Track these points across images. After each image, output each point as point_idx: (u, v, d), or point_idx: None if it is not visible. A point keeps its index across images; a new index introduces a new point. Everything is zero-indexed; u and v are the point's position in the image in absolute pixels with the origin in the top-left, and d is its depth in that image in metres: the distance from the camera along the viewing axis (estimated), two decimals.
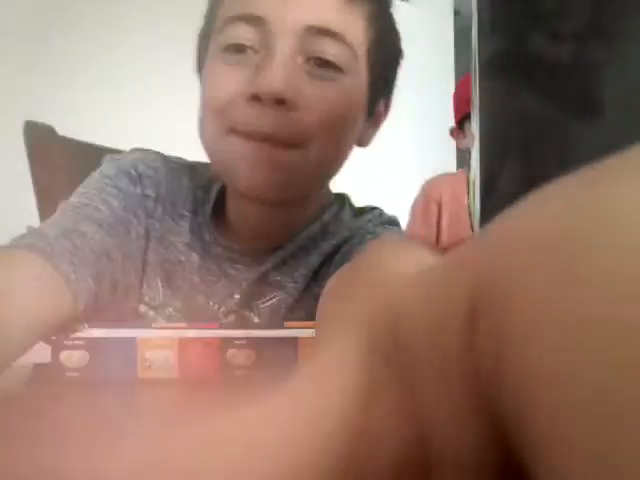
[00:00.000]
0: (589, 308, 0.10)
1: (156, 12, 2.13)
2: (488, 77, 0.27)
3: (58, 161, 0.96)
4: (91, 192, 0.69)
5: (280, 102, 0.61)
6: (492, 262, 0.12)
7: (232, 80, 0.63)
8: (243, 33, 0.63)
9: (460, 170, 1.76)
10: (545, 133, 0.26)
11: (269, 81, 0.60)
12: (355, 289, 0.22)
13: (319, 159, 0.66)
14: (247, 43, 0.63)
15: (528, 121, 0.26)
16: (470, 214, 0.35)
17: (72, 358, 0.46)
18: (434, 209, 1.58)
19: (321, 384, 0.17)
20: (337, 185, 0.78)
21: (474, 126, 0.29)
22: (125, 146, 0.91)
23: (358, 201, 0.82)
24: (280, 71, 0.61)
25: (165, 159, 0.77)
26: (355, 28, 0.66)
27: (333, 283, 0.37)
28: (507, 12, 0.26)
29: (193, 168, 0.76)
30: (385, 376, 0.15)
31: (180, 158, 0.78)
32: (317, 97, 0.63)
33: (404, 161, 2.69)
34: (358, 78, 0.67)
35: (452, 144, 1.88)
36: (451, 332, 0.12)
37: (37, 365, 0.52)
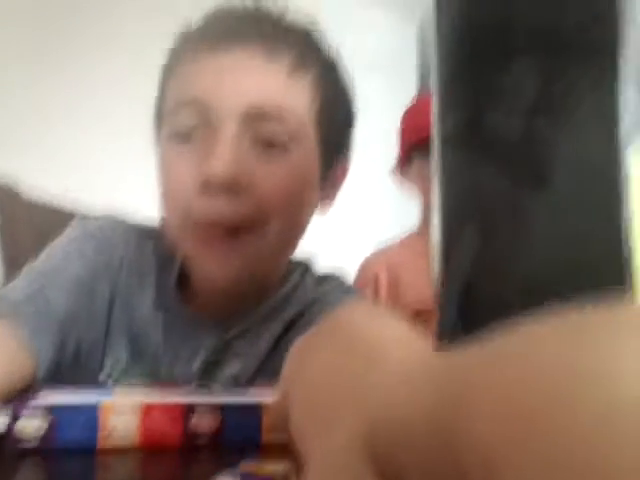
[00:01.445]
0: None
1: (120, 68, 2.15)
2: (447, 149, 0.29)
3: (22, 223, 0.95)
4: (57, 256, 0.69)
5: (231, 187, 0.61)
6: (475, 428, 0.12)
7: (181, 170, 0.63)
8: (188, 119, 0.63)
9: (403, 239, 1.66)
10: (498, 203, 0.27)
11: (216, 167, 0.60)
12: (339, 390, 0.22)
13: (278, 238, 0.66)
14: (193, 130, 0.63)
15: (483, 192, 0.27)
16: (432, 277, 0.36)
17: (29, 427, 0.45)
18: (370, 287, 1.53)
19: None
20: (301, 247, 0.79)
21: (435, 196, 0.31)
22: (90, 209, 0.91)
23: (321, 261, 0.82)
24: (226, 156, 0.60)
25: (131, 225, 0.77)
26: (300, 99, 0.66)
27: (298, 348, 0.37)
28: (466, 89, 0.28)
29: (159, 235, 0.77)
30: None
31: (146, 225, 0.78)
32: (267, 179, 0.63)
33: (371, 219, 2.73)
34: (307, 150, 0.67)
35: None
36: (447, 473, 0.12)
37: None
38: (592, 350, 0.11)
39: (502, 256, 0.26)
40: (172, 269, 0.74)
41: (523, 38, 0.25)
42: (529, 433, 0.10)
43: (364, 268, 1.57)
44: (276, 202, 0.63)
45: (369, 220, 2.79)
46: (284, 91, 0.64)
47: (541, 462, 0.10)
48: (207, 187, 0.61)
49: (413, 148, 1.50)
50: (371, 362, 0.21)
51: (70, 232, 0.73)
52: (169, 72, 0.69)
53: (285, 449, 0.45)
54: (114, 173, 1.99)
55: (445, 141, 0.29)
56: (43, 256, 0.69)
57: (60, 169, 2.02)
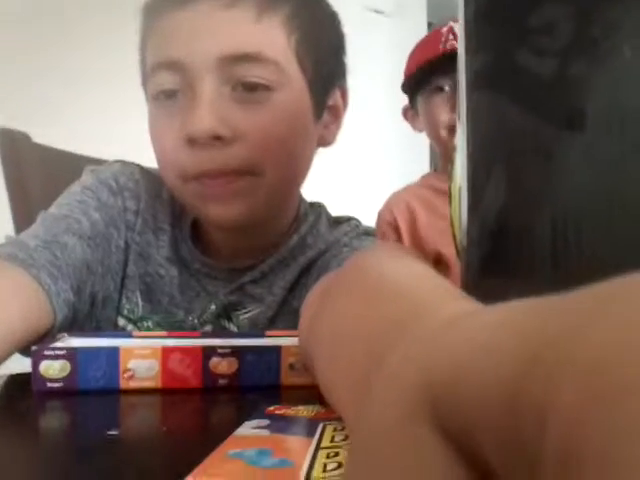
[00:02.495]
0: None
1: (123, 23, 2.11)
2: (475, 89, 0.28)
3: (32, 169, 0.95)
4: (72, 204, 0.69)
5: (217, 138, 0.61)
6: (561, 403, 0.10)
7: (168, 129, 0.63)
8: (167, 79, 0.63)
9: (422, 178, 1.65)
10: (529, 144, 0.27)
11: (201, 122, 0.60)
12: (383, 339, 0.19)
13: (278, 178, 0.66)
14: (173, 87, 0.63)
15: (513, 132, 0.27)
16: (452, 224, 0.36)
17: (53, 368, 0.46)
18: (390, 233, 1.55)
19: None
20: (313, 192, 0.78)
21: (459, 137, 0.30)
22: (102, 155, 0.91)
23: (335, 208, 0.82)
24: (208, 109, 0.61)
25: (145, 172, 0.76)
26: (274, 39, 0.65)
27: (319, 293, 0.37)
28: (494, 27, 0.27)
29: None
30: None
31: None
32: (253, 124, 0.62)
33: (381, 166, 2.72)
34: (292, 88, 0.66)
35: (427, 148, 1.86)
36: (524, 450, 0.11)
37: (16, 375, 0.51)
38: None
39: (532, 197, 0.26)
40: (186, 219, 0.75)
41: None
42: (621, 417, 0.09)
43: (380, 216, 1.58)
44: (267, 144, 0.63)
45: (381, 167, 2.77)
46: (254, 34, 0.63)
47: (629, 454, 0.09)
48: (192, 142, 0.61)
49: (416, 86, 1.50)
50: (410, 310, 0.20)
51: (85, 180, 0.73)
52: (145, 32, 0.68)
53: (304, 391, 0.46)
54: (128, 119, 1.97)
55: (473, 81, 0.28)
56: (58, 203, 0.69)
57: (72, 114, 2.00)
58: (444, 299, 0.20)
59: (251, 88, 0.63)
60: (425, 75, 1.46)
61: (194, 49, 0.62)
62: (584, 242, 0.25)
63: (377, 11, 2.57)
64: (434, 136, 1.51)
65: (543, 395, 0.10)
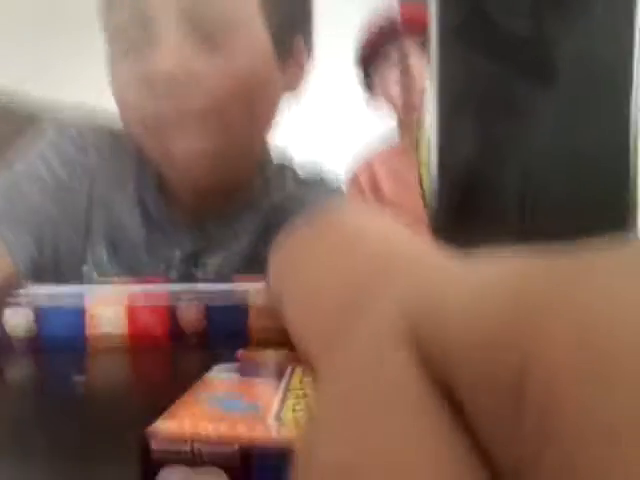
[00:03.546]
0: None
1: None
2: (447, 42, 0.28)
3: None
4: (34, 157, 0.67)
5: (177, 82, 0.59)
6: (544, 355, 0.10)
7: (126, 73, 0.61)
8: (123, 19, 0.61)
9: (385, 148, 1.73)
10: (500, 96, 0.27)
11: (159, 62, 0.58)
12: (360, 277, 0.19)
13: (239, 118, 0.65)
14: (128, 26, 0.61)
15: (484, 84, 0.27)
16: (419, 170, 0.36)
17: (17, 318, 0.46)
18: (358, 194, 1.61)
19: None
20: (282, 143, 0.78)
21: (430, 88, 0.30)
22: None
23: (303, 158, 0.81)
24: (167, 50, 0.59)
25: (107, 124, 0.75)
26: None
27: (288, 245, 0.37)
28: None
29: None
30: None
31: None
32: (212, 64, 0.61)
33: (353, 118, 2.70)
34: (253, 34, 0.64)
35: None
36: (500, 390, 0.11)
37: None
38: None
39: (500, 149, 0.27)
40: (151, 169, 0.74)
41: None
42: (601, 372, 0.10)
43: (353, 176, 1.65)
44: (226, 87, 0.62)
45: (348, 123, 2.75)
46: None
47: (607, 402, 0.09)
48: (154, 86, 0.59)
49: (367, 62, 1.60)
50: (388, 260, 0.19)
51: (47, 133, 0.71)
52: None
53: (274, 344, 0.47)
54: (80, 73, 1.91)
55: (446, 33, 0.28)
56: (20, 156, 0.68)
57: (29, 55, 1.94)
58: (422, 250, 0.20)
59: (211, 27, 0.61)
60: (370, 54, 1.57)
61: None
62: (550, 195, 0.26)
63: None
64: (388, 97, 1.60)
65: (527, 343, 0.11)
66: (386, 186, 1.58)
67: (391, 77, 1.56)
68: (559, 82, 0.25)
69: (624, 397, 0.09)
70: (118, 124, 0.74)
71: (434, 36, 0.29)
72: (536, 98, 0.26)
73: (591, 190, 0.25)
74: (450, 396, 0.12)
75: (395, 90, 1.56)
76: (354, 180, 1.61)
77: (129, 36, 0.61)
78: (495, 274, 0.13)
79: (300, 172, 0.78)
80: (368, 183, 1.60)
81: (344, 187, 1.58)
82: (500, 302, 0.12)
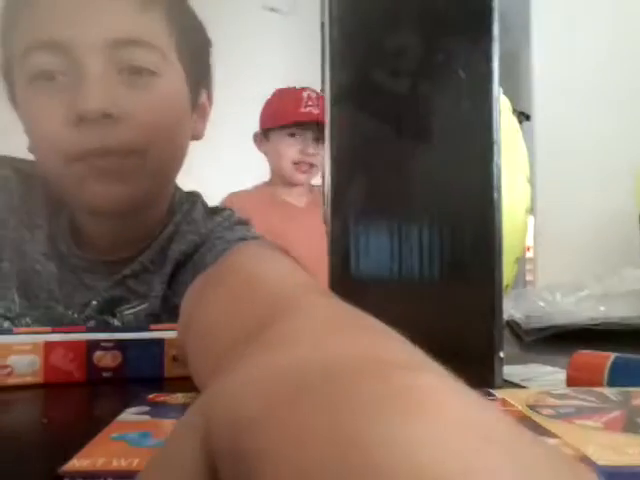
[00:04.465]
0: None
1: None
2: (337, 102, 0.32)
3: None
4: None
5: (106, 117, 0.61)
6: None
7: (51, 111, 0.62)
8: (48, 60, 0.62)
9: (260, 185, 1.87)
10: (385, 153, 0.30)
11: (90, 100, 0.60)
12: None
13: (159, 162, 0.67)
14: (55, 69, 0.62)
15: (371, 143, 0.30)
16: (325, 222, 0.39)
17: None
18: None
19: None
20: (188, 182, 0.80)
21: (326, 145, 0.33)
22: None
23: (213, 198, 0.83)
24: (98, 88, 0.61)
25: (18, 167, 0.75)
26: (156, 29, 0.66)
27: (194, 290, 0.39)
28: (354, 49, 0.31)
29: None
30: None
31: (34, 163, 0.76)
32: (140, 103, 0.64)
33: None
34: (173, 76, 0.68)
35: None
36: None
37: None
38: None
39: (388, 199, 0.30)
40: (63, 214, 0.73)
41: (407, 9, 0.28)
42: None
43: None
44: (151, 127, 0.64)
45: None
46: (140, 22, 0.65)
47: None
48: (80, 122, 0.61)
49: (271, 128, 1.74)
50: (267, 311, 0.21)
51: None
52: (12, 11, 0.67)
53: (186, 382, 0.48)
54: None
55: (336, 97, 0.32)
56: None
57: None
58: (302, 296, 0.22)
59: (137, 72, 0.64)
60: (279, 130, 1.73)
61: (80, 31, 0.61)
62: (430, 244, 0.29)
63: (273, 9, 2.59)
64: (277, 165, 1.75)
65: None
66: (257, 217, 1.71)
67: (288, 145, 1.73)
68: (433, 137, 0.29)
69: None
70: (26, 168, 0.74)
71: (327, 97, 0.32)
72: (415, 153, 0.29)
73: (462, 236, 0.28)
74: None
75: (289, 155, 1.72)
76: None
77: (56, 78, 0.62)
78: (283, 370, 0.15)
79: (209, 211, 0.80)
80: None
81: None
82: (256, 412, 0.14)
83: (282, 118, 1.74)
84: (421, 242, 0.29)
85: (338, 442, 0.11)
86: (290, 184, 1.76)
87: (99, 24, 0.62)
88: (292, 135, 1.74)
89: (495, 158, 0.29)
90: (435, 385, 0.12)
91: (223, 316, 0.25)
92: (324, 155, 0.32)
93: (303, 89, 1.77)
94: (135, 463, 0.21)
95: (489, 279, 0.29)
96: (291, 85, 1.83)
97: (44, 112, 0.63)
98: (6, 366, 0.47)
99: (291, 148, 1.74)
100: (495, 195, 0.29)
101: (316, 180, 1.86)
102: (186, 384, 0.48)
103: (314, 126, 1.73)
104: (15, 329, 0.61)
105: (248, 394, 0.15)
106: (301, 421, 0.12)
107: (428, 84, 0.29)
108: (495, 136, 0.29)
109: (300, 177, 1.75)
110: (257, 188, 1.81)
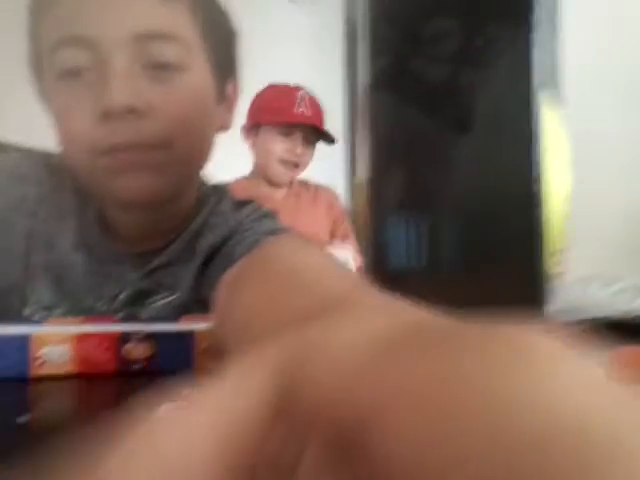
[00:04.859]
0: None
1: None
2: (374, 90, 0.31)
3: None
4: None
5: (132, 112, 0.61)
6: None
7: (77, 105, 0.62)
8: (74, 56, 0.62)
9: (237, 180, 1.93)
10: (423, 143, 0.29)
11: (116, 96, 0.60)
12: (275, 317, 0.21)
13: (186, 154, 0.67)
14: (81, 65, 0.62)
15: (409, 132, 0.30)
16: (354, 219, 0.38)
17: None
18: None
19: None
20: (215, 175, 0.80)
21: (360, 135, 0.33)
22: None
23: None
24: (123, 83, 0.61)
25: (47, 159, 0.75)
26: (180, 22, 0.66)
27: (231, 278, 0.39)
28: (392, 35, 0.30)
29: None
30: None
31: (62, 156, 0.77)
32: (166, 98, 0.64)
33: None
34: (199, 68, 0.68)
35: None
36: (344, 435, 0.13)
37: None
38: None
39: (427, 190, 0.29)
40: (91, 206, 0.74)
41: None
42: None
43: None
44: (177, 120, 0.64)
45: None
46: (165, 15, 0.65)
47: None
48: (106, 117, 0.61)
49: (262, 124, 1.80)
50: (315, 302, 0.21)
51: None
52: (40, 8, 0.67)
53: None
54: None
55: (373, 84, 0.31)
56: None
57: None
58: (348, 291, 0.21)
59: (163, 66, 0.64)
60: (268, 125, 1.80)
61: (106, 25, 0.62)
62: (469, 235, 0.28)
63: (292, 1, 2.59)
64: (263, 161, 1.84)
65: (369, 408, 0.13)
66: None
67: (276, 142, 1.79)
68: (474, 127, 0.28)
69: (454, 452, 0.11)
70: (56, 161, 0.75)
71: (363, 85, 0.31)
72: (456, 143, 0.28)
73: (501, 232, 0.27)
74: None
75: (276, 151, 1.79)
76: None
77: (83, 74, 0.62)
78: (376, 330, 0.15)
79: (236, 203, 0.80)
80: None
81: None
82: (362, 362, 0.13)
83: (275, 117, 1.78)
84: (461, 234, 0.28)
85: (486, 392, 0.11)
86: (271, 182, 1.83)
87: (124, 18, 0.62)
88: (283, 134, 1.79)
89: (536, 147, 0.28)
90: (547, 342, 0.12)
91: (268, 305, 0.24)
92: (360, 145, 0.31)
93: (297, 89, 1.83)
94: None
95: (531, 271, 0.28)
96: (283, 83, 1.86)
97: (71, 108, 0.64)
98: (39, 357, 0.47)
99: (280, 146, 1.76)
100: (536, 185, 0.28)
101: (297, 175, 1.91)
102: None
103: (304, 127, 1.77)
104: (48, 320, 0.61)
105: (361, 348, 0.14)
106: (438, 371, 0.12)
107: (468, 71, 0.28)
108: (537, 125, 0.28)
109: (284, 177, 1.82)
110: (237, 181, 1.86)
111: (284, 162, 1.80)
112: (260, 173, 1.85)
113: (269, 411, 0.14)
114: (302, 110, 1.77)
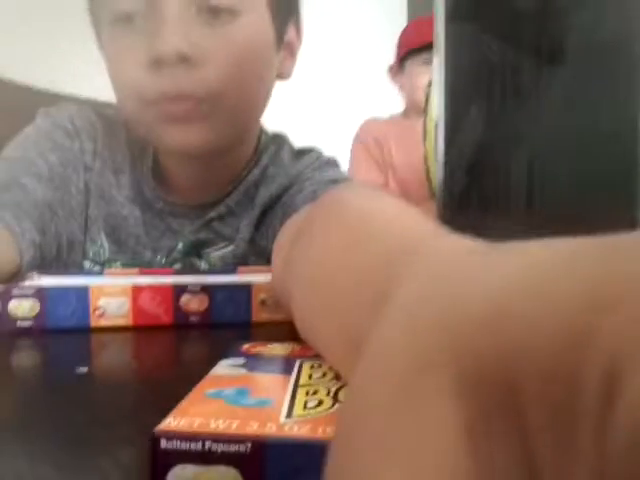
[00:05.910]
0: None
1: None
2: (453, 20, 0.27)
3: None
4: (28, 146, 0.67)
5: (183, 59, 0.59)
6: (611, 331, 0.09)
7: (129, 51, 0.61)
8: (127, 2, 0.61)
9: (396, 116, 1.92)
10: (508, 78, 0.26)
11: (167, 42, 0.58)
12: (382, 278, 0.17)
13: (239, 104, 0.65)
14: (135, 10, 0.61)
15: (491, 66, 0.26)
16: (426, 160, 0.36)
17: (22, 307, 0.45)
18: (374, 148, 1.75)
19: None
20: (274, 124, 0.78)
21: (437, 70, 0.30)
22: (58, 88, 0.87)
23: (297, 141, 0.81)
24: (176, 29, 0.59)
25: (101, 114, 0.75)
26: None
27: (295, 227, 0.37)
28: None
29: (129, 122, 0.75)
30: (489, 426, 0.10)
31: (116, 112, 0.76)
32: (219, 46, 0.61)
33: (346, 101, 2.69)
34: (256, 14, 0.65)
35: (394, 89, 1.92)
36: (583, 400, 0.09)
37: None
38: None
39: (509, 133, 0.26)
40: (146, 159, 0.73)
41: None
42: None
43: (361, 134, 1.81)
44: (232, 68, 0.62)
45: (347, 101, 2.74)
46: None
47: None
48: (158, 63, 0.59)
49: (407, 56, 1.75)
50: (402, 243, 0.18)
51: (39, 122, 0.71)
52: None
53: (275, 327, 0.46)
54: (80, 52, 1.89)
55: (451, 12, 0.28)
56: (13, 146, 0.68)
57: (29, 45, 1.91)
58: (435, 234, 0.19)
59: (216, 11, 0.61)
60: (416, 51, 1.74)
61: None
62: (558, 179, 0.25)
63: None
64: (412, 95, 1.77)
65: (617, 341, 0.09)
66: (394, 149, 1.74)
67: (422, 75, 1.74)
68: (567, 61, 0.25)
69: None
70: (109, 115, 0.74)
71: (440, 12, 0.28)
72: (545, 78, 0.25)
73: (599, 170, 0.24)
74: (513, 421, 0.10)
75: (423, 84, 1.73)
76: (361, 137, 1.78)
77: (135, 20, 0.61)
78: (563, 265, 0.11)
79: (296, 152, 0.78)
80: (376, 143, 1.76)
81: (358, 137, 1.74)
82: (579, 304, 0.10)
83: (415, 41, 1.73)
84: (553, 177, 0.25)
85: None
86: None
87: None
88: (427, 63, 1.74)
89: (638, 85, 0.25)
90: None
91: (339, 255, 0.22)
92: (435, 82, 0.28)
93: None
94: (235, 425, 0.19)
95: (629, 220, 0.25)
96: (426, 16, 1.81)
97: (123, 54, 0.62)
98: (98, 307, 0.47)
99: (425, 77, 1.75)
100: (637, 130, 0.25)
101: None
102: (275, 329, 0.47)
103: None
104: (106, 271, 0.61)
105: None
106: None
107: None
108: None
109: None
110: (393, 118, 1.86)
111: None
112: (410, 110, 1.82)
113: (468, 430, 0.10)
114: None
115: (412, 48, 1.73)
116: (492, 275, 0.12)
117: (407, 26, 1.86)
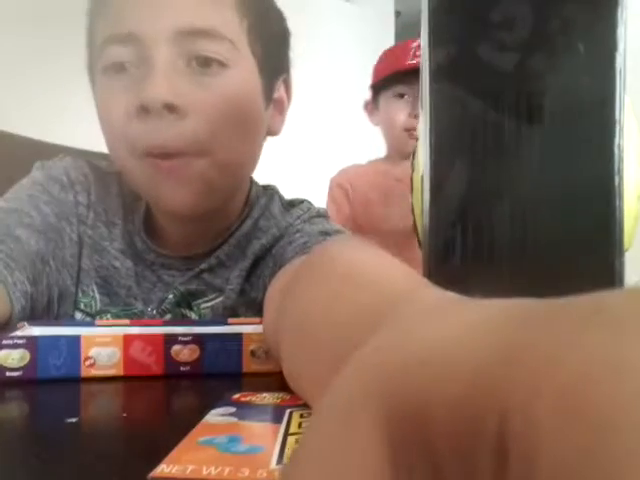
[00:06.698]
0: None
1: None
2: (437, 81, 0.29)
3: None
4: (22, 198, 0.68)
5: (170, 109, 0.60)
6: (528, 403, 0.10)
7: (118, 100, 0.62)
8: (119, 52, 0.62)
9: (370, 162, 1.88)
10: (490, 137, 0.27)
11: (154, 90, 0.59)
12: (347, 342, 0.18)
13: (229, 160, 0.66)
14: (125, 61, 0.62)
15: (474, 124, 0.28)
16: (414, 212, 0.37)
17: (12, 357, 0.45)
18: (339, 194, 1.74)
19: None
20: (263, 177, 0.79)
21: (422, 127, 0.31)
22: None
23: (286, 193, 0.82)
24: (163, 78, 0.60)
25: (94, 166, 0.76)
26: (226, 20, 0.65)
27: (286, 280, 0.37)
28: (456, 21, 0.28)
29: (121, 175, 0.76)
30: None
31: (109, 164, 0.77)
32: (207, 97, 0.62)
33: (333, 152, 2.73)
34: (244, 68, 0.66)
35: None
36: (480, 455, 0.10)
37: None
38: None
39: (492, 187, 0.27)
40: (138, 211, 0.74)
41: None
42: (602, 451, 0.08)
43: (331, 182, 1.77)
44: (220, 120, 0.63)
45: (334, 152, 2.78)
46: (210, 12, 0.64)
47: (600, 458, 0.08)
48: (144, 112, 0.60)
49: (381, 87, 1.71)
50: (383, 297, 0.19)
51: (35, 175, 0.72)
52: (95, 9, 0.67)
53: (265, 378, 0.46)
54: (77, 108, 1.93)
55: (435, 74, 0.29)
56: (8, 197, 0.69)
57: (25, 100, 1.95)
58: (417, 287, 0.20)
59: (205, 63, 0.63)
60: (390, 82, 1.68)
61: (150, 22, 0.61)
62: (540, 232, 0.26)
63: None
64: (389, 133, 1.74)
65: (507, 398, 0.10)
66: (372, 191, 1.71)
67: (398, 110, 1.69)
68: (545, 119, 0.26)
69: (620, 449, 0.08)
70: (103, 168, 0.75)
71: (425, 73, 0.30)
72: (524, 136, 0.26)
73: (578, 223, 0.26)
74: (426, 452, 0.11)
75: (400, 121, 1.68)
76: (338, 181, 1.75)
77: (126, 69, 0.62)
78: (485, 321, 0.12)
79: (286, 203, 0.79)
80: (351, 193, 1.73)
81: (329, 191, 1.73)
82: (489, 354, 0.11)
83: (387, 69, 1.71)
84: (534, 230, 0.26)
85: None
86: (405, 155, 1.70)
87: (167, 14, 0.62)
88: (401, 96, 1.70)
89: (617, 140, 0.26)
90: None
91: (328, 305, 0.23)
92: (421, 138, 0.30)
93: (413, 40, 1.70)
94: (226, 472, 0.20)
95: (608, 271, 0.26)
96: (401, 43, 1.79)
97: (112, 101, 0.64)
98: (89, 357, 0.47)
99: (401, 112, 1.68)
100: (616, 181, 0.26)
101: None
102: (265, 379, 0.47)
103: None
104: (97, 321, 0.61)
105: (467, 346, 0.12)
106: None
107: (540, 58, 0.26)
108: (618, 115, 0.26)
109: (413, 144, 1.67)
110: (371, 163, 1.84)
111: (409, 130, 1.68)
112: (392, 150, 1.77)
113: (390, 458, 0.12)
114: (417, 60, 1.70)
115: (382, 77, 1.68)
116: (435, 329, 0.14)
117: (380, 57, 1.77)
